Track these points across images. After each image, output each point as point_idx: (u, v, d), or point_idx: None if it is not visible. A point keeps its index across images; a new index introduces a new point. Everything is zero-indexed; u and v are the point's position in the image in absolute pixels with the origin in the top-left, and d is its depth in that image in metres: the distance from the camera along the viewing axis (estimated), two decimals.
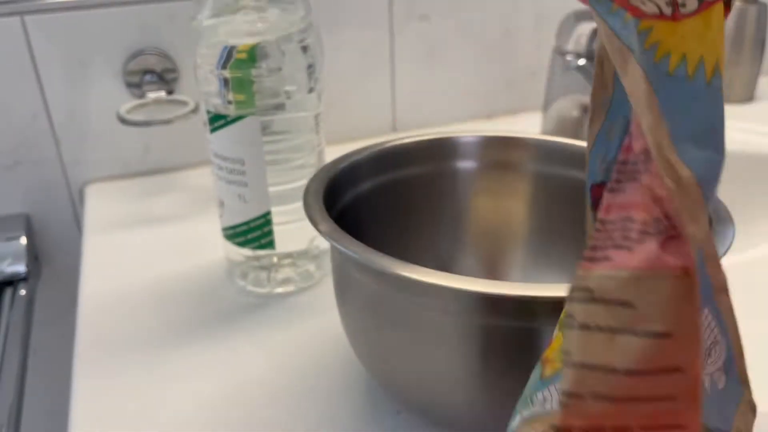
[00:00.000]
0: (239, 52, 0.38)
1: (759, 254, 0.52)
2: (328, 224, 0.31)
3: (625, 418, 0.18)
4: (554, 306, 0.27)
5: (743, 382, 0.21)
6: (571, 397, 0.18)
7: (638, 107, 0.18)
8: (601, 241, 0.18)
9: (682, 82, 0.18)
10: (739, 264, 0.53)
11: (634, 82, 0.18)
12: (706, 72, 0.18)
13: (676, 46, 0.18)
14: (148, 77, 0.59)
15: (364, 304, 0.32)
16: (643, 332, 0.18)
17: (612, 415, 0.18)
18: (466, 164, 0.41)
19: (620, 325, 0.18)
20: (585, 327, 0.18)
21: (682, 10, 0.18)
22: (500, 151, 0.41)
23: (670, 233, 0.18)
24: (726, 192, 0.44)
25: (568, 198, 0.39)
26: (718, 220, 0.31)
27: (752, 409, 0.22)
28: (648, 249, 0.18)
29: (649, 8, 0.18)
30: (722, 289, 0.20)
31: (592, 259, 0.18)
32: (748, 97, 0.77)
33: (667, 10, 0.18)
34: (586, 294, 0.18)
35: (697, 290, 0.17)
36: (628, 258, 0.18)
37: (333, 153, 0.40)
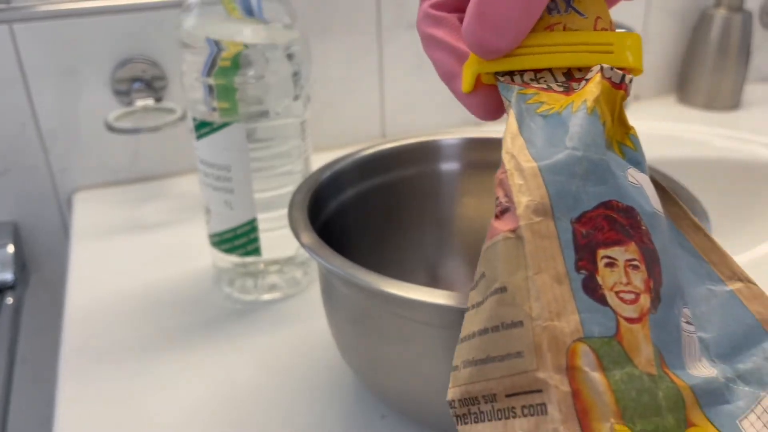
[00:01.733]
0: (223, 59, 0.39)
1: (745, 260, 0.53)
2: (311, 238, 0.31)
3: (488, 383, 0.20)
4: None
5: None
6: (453, 370, 0.21)
7: (505, 135, 0.23)
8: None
9: (553, 117, 0.22)
10: None
11: (508, 121, 0.23)
12: (573, 107, 0.22)
13: (555, 103, 0.23)
14: (136, 85, 0.59)
15: (350, 315, 0.32)
16: (489, 293, 0.20)
17: (477, 379, 0.20)
18: (449, 166, 0.41)
19: (480, 297, 0.21)
20: (468, 309, 0.21)
21: (574, 89, 0.23)
22: (483, 152, 0.41)
23: (505, 207, 0.21)
24: (712, 197, 0.45)
25: None
26: (695, 216, 0.32)
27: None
28: (494, 223, 0.21)
29: (539, 87, 0.24)
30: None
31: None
32: (734, 104, 0.77)
33: (559, 89, 0.23)
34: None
35: (528, 250, 0.19)
36: (487, 237, 0.21)
37: (322, 160, 0.40)
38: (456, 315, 0.28)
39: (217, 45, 0.39)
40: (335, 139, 0.67)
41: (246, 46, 0.39)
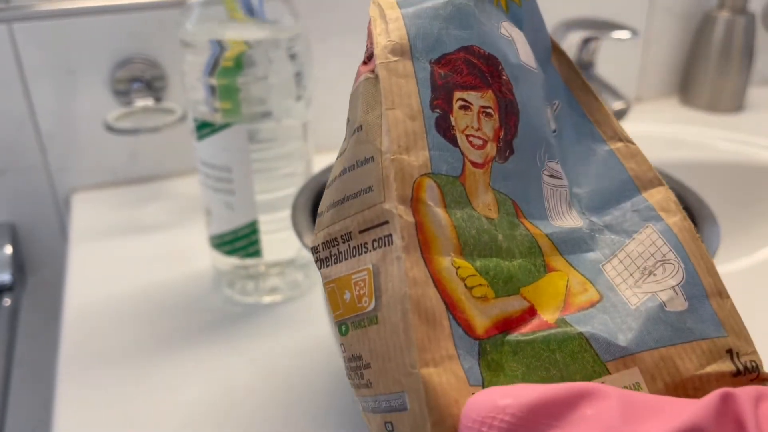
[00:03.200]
0: (226, 60, 0.38)
1: (747, 263, 0.52)
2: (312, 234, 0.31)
3: (344, 222, 0.20)
4: None
5: (725, 325, 0.20)
6: (317, 219, 0.21)
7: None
8: None
9: None
10: (728, 273, 0.53)
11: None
12: None
13: None
14: (135, 85, 0.58)
15: None
16: (350, 135, 0.21)
17: (336, 220, 0.20)
18: None
19: (345, 143, 0.21)
20: (337, 156, 0.21)
21: None
22: None
23: (370, 52, 0.21)
24: (714, 200, 0.44)
25: None
26: (704, 222, 0.31)
27: (733, 358, 0.20)
28: (357, 70, 0.21)
29: None
30: (672, 211, 0.22)
31: None
32: (737, 106, 0.77)
33: None
34: None
35: (383, 87, 0.20)
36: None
37: (323, 161, 0.40)
38: None
39: (219, 45, 0.38)
40: (335, 141, 0.67)
41: (249, 45, 0.38)
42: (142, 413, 0.37)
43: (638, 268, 0.21)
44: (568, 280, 0.21)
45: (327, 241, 0.21)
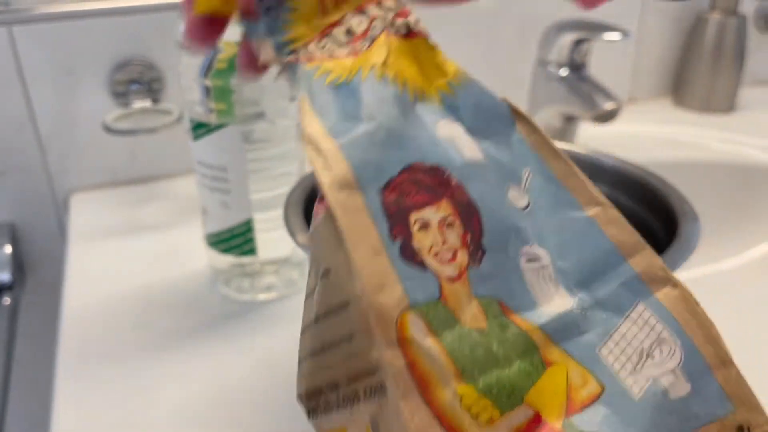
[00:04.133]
0: (219, 61, 0.39)
1: (740, 262, 0.53)
2: (306, 236, 0.31)
3: (329, 372, 0.20)
4: None
5: (732, 398, 0.20)
6: (298, 363, 0.21)
7: (302, 119, 0.22)
8: None
9: (342, 87, 0.22)
10: (720, 272, 0.54)
11: (302, 106, 0.22)
12: (362, 74, 0.22)
13: (341, 70, 0.22)
14: (134, 87, 0.59)
15: None
16: (319, 277, 0.20)
17: (318, 368, 0.20)
18: None
19: (313, 282, 0.21)
20: (306, 297, 0.21)
21: (360, 50, 0.23)
22: None
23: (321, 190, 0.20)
24: (707, 200, 0.45)
25: None
26: (686, 219, 0.32)
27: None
28: (315, 208, 0.21)
29: (324, 55, 0.23)
30: (660, 280, 0.21)
31: None
32: (730, 107, 0.78)
33: (343, 52, 0.23)
34: None
35: (340, 227, 0.19)
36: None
37: None
38: None
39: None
40: None
41: None
42: (139, 410, 0.37)
43: (635, 350, 0.20)
44: (567, 374, 0.20)
45: (311, 391, 0.20)
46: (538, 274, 0.21)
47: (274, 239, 0.44)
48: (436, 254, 0.20)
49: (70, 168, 0.61)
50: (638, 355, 0.20)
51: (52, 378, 0.40)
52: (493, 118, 0.23)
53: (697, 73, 0.77)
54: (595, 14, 0.70)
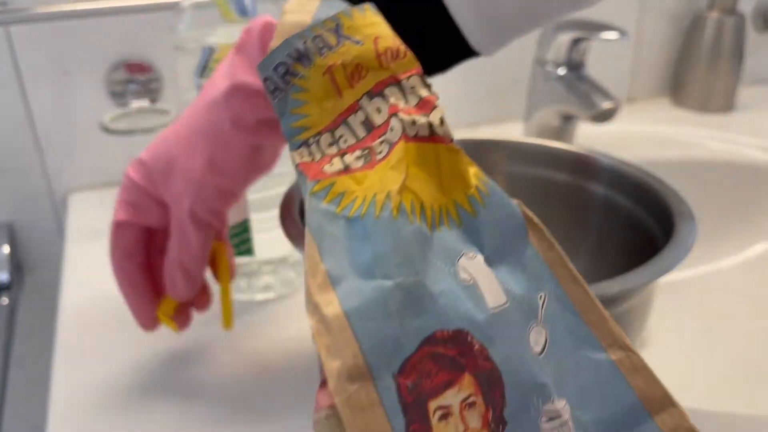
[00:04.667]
0: (215, 61, 0.39)
1: (736, 261, 0.53)
2: (302, 236, 0.31)
3: None
4: None
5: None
6: None
7: (304, 260, 0.20)
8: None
9: (357, 223, 0.19)
10: (717, 271, 0.54)
11: (306, 244, 0.20)
12: (376, 207, 0.20)
13: (359, 192, 0.20)
14: (131, 86, 0.59)
15: None
16: None
17: None
18: None
19: None
20: None
21: (378, 157, 0.20)
22: (475, 154, 0.41)
23: (323, 377, 0.18)
24: (705, 199, 0.45)
25: (538, 196, 0.40)
26: (682, 218, 0.32)
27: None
28: (317, 394, 0.18)
29: (335, 168, 0.20)
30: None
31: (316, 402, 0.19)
32: (728, 106, 0.78)
33: (358, 164, 0.20)
34: None
35: (349, 424, 0.17)
36: (322, 399, 0.19)
37: None
38: None
39: (209, 47, 0.39)
40: None
41: None
42: (136, 410, 0.37)
43: None
44: None
45: None
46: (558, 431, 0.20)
47: (272, 239, 0.44)
48: None
49: (67, 168, 0.61)
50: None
51: (49, 377, 0.40)
52: (510, 235, 0.21)
53: (696, 72, 0.77)
54: (594, 13, 0.70)
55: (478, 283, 0.20)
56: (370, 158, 0.21)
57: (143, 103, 0.58)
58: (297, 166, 0.22)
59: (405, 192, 0.20)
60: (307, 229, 0.20)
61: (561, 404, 0.20)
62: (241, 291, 0.46)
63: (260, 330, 0.43)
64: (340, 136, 0.22)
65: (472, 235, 0.21)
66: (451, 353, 0.18)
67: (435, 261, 0.20)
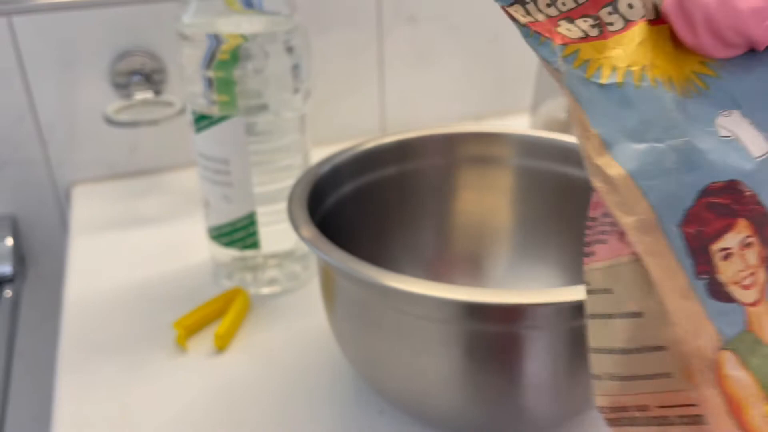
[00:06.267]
0: (222, 52, 0.38)
1: None
2: (311, 231, 0.31)
3: (638, 396, 0.20)
4: (536, 311, 0.27)
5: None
6: (594, 378, 0.21)
7: (571, 121, 0.21)
8: (590, 237, 0.21)
9: (612, 90, 0.21)
10: None
11: (567, 99, 0.22)
12: (634, 77, 0.21)
13: (603, 61, 0.21)
14: (135, 78, 0.58)
15: (349, 309, 0.32)
16: (622, 314, 0.20)
17: (625, 392, 0.20)
18: (448, 160, 0.41)
19: (608, 310, 0.21)
20: (590, 316, 0.21)
21: (610, 29, 0.22)
22: (482, 146, 0.41)
23: (618, 228, 0.20)
24: None
25: (550, 191, 0.39)
26: None
27: None
28: (611, 240, 0.20)
29: (575, 33, 0.22)
30: None
31: (587, 255, 0.21)
32: None
33: (594, 32, 0.22)
34: (586, 287, 0.21)
35: (651, 274, 0.19)
36: (604, 251, 0.21)
37: (322, 154, 0.40)
38: (455, 309, 0.28)
39: (216, 38, 0.38)
40: (335, 134, 0.67)
41: (245, 38, 0.39)
42: (140, 404, 0.37)
43: None
44: None
45: (616, 408, 0.21)
46: None
47: (277, 232, 0.44)
48: (737, 282, 0.20)
49: (71, 160, 0.60)
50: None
51: (53, 370, 0.40)
52: (757, 81, 0.22)
53: None
54: None
55: (739, 136, 0.21)
56: (602, 29, 0.22)
57: (147, 94, 0.58)
58: (524, 25, 0.23)
59: (655, 68, 0.21)
60: (569, 93, 0.21)
61: None
62: (246, 285, 0.46)
63: (265, 324, 0.43)
64: (564, 3, 0.23)
65: (721, 95, 0.22)
66: (725, 201, 0.20)
67: (695, 124, 0.21)
